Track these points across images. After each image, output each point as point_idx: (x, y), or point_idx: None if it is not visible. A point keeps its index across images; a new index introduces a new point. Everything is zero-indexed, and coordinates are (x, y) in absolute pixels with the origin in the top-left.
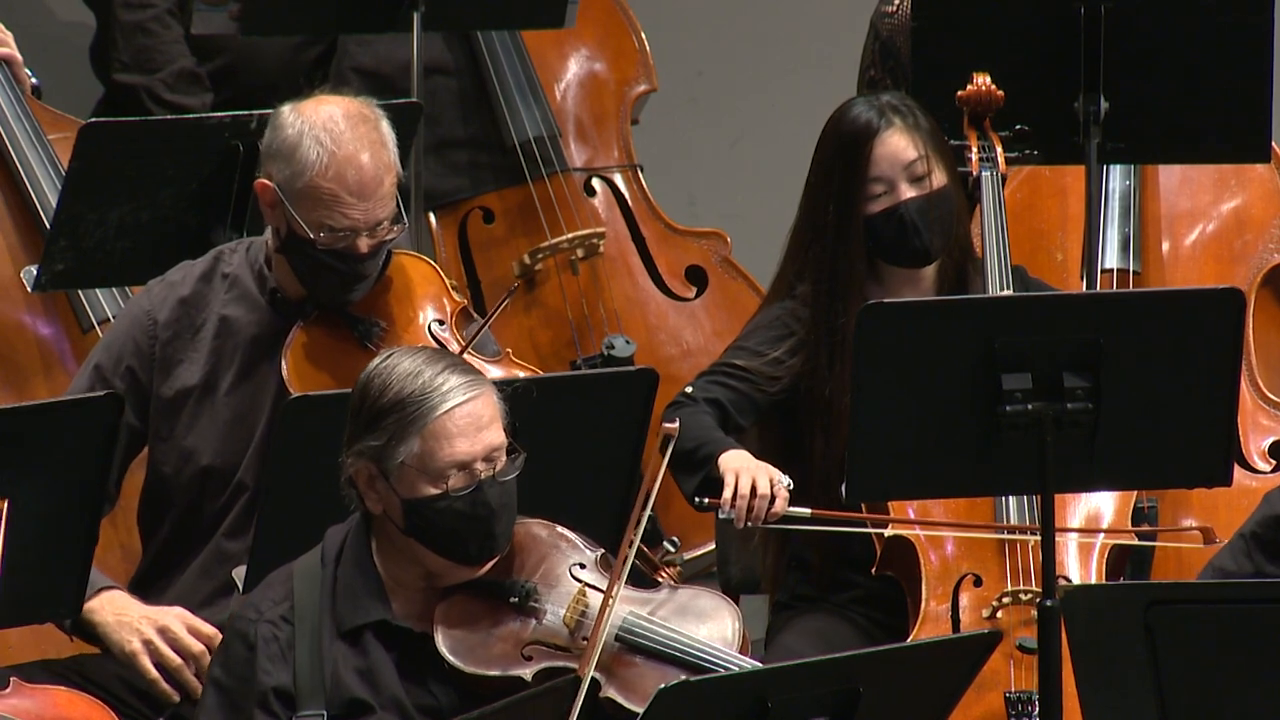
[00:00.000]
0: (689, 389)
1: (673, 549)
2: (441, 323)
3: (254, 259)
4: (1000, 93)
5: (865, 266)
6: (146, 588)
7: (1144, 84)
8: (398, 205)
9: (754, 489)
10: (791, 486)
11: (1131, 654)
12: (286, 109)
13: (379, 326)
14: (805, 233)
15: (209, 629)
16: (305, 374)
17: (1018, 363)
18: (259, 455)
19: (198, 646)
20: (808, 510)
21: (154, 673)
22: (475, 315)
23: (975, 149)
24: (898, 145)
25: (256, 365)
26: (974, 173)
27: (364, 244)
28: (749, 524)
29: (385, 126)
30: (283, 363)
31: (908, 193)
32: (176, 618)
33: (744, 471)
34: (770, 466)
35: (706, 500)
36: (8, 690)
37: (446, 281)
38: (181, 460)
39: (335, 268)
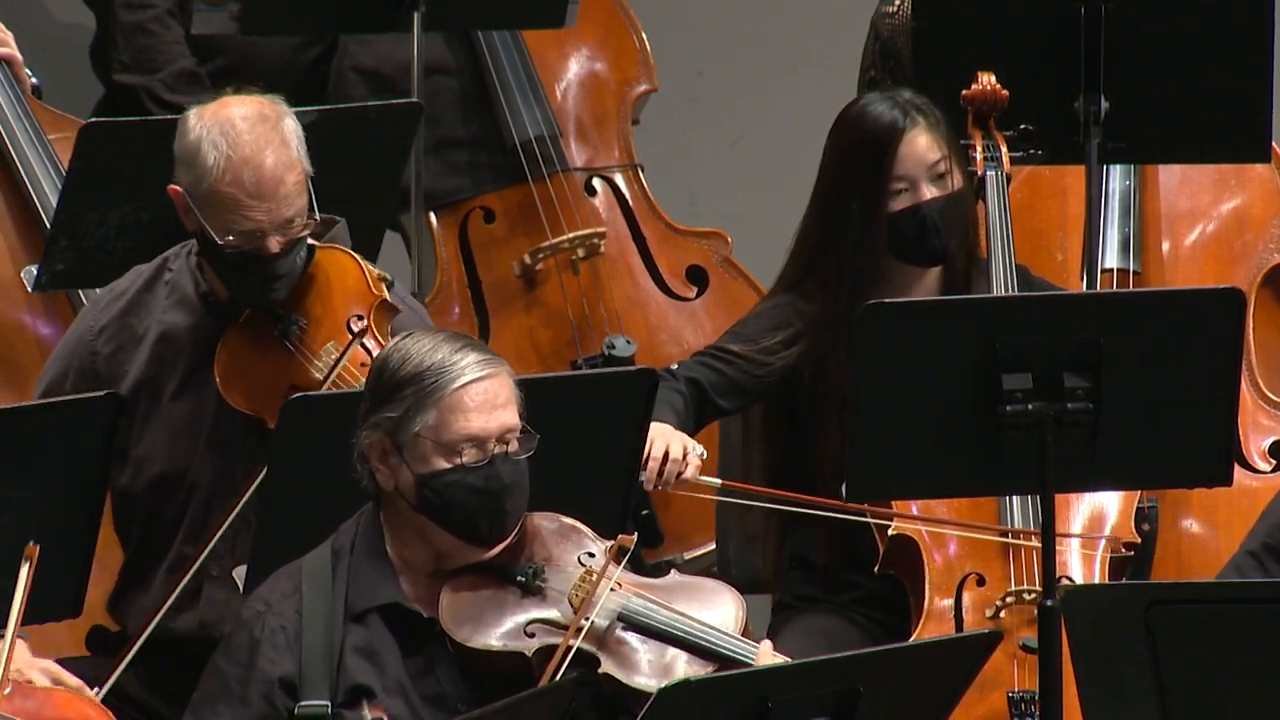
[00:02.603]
0: (674, 366)
1: None
2: (361, 317)
3: (192, 263)
4: (1005, 92)
5: (887, 263)
6: (125, 602)
7: (1144, 84)
8: (310, 200)
9: (667, 454)
10: (704, 455)
11: (1132, 654)
12: (191, 113)
13: (298, 324)
14: (819, 229)
15: (74, 681)
16: (231, 374)
17: (1018, 363)
18: (206, 456)
19: None
20: (718, 480)
21: None
22: (398, 307)
23: (980, 148)
24: (922, 145)
25: (198, 369)
26: (979, 172)
27: (274, 244)
28: (659, 486)
29: (288, 124)
30: (215, 365)
31: (929, 192)
32: (41, 674)
33: (659, 437)
34: (686, 436)
35: None
36: (8, 692)
37: (369, 273)
38: (135, 470)
39: (248, 269)
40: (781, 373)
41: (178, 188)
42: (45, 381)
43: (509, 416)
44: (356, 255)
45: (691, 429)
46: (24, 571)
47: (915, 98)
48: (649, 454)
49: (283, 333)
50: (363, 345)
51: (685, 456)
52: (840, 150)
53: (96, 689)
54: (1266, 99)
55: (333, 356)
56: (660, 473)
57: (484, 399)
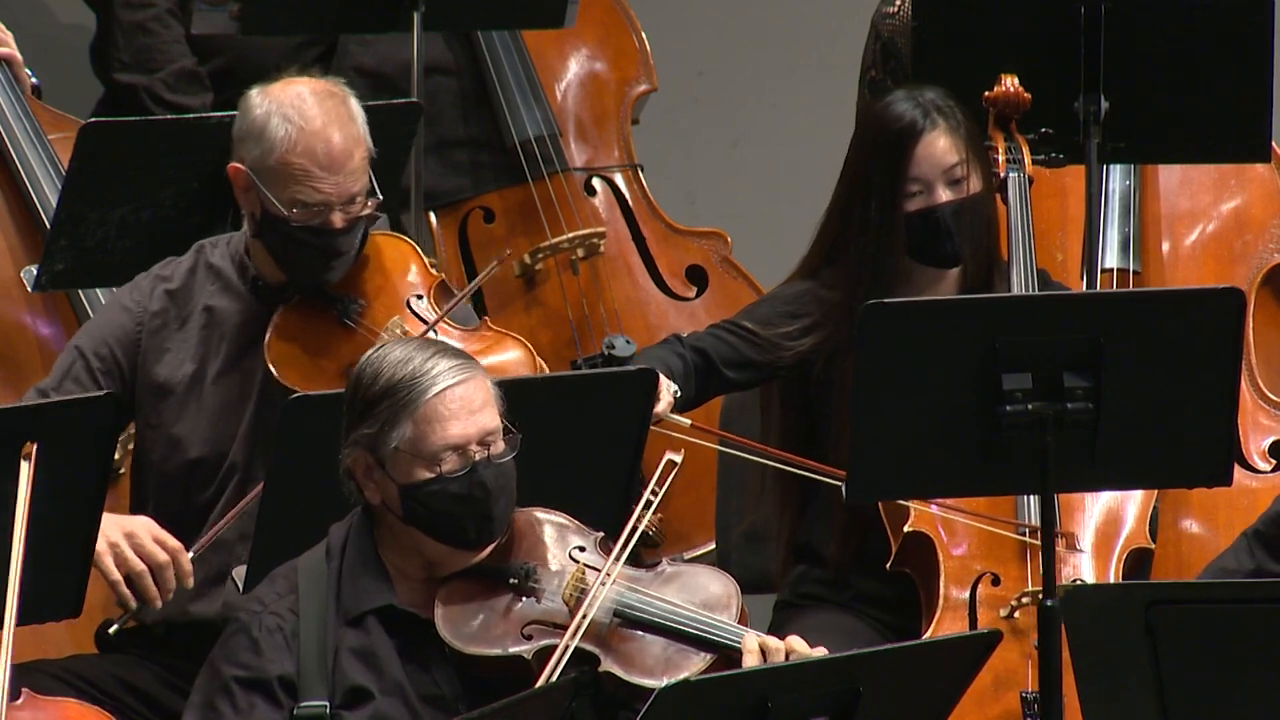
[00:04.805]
0: (683, 334)
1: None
2: (420, 297)
3: (235, 251)
4: (1028, 95)
5: (906, 263)
6: None
7: (1144, 84)
8: (371, 181)
9: None
10: (678, 394)
11: (1132, 654)
12: (254, 92)
13: (357, 303)
14: (840, 224)
15: (174, 542)
16: (286, 355)
17: (1018, 363)
18: (248, 438)
19: (163, 556)
20: (688, 421)
21: (116, 574)
22: (454, 290)
23: (1002, 150)
24: (940, 148)
25: (242, 353)
26: (1000, 174)
27: (338, 219)
28: None
29: (354, 103)
30: (265, 346)
31: (944, 195)
32: (143, 526)
33: None
34: (662, 375)
35: None
36: (19, 702)
37: (425, 258)
38: (169, 449)
39: (311, 244)
40: (793, 359)
41: (239, 165)
42: (74, 344)
43: (487, 419)
44: (408, 238)
45: (691, 394)
46: (24, 470)
47: (940, 99)
48: None
49: (342, 311)
50: (421, 320)
51: (659, 391)
52: (862, 147)
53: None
54: (1266, 99)
55: (400, 329)
56: None
57: (460, 405)
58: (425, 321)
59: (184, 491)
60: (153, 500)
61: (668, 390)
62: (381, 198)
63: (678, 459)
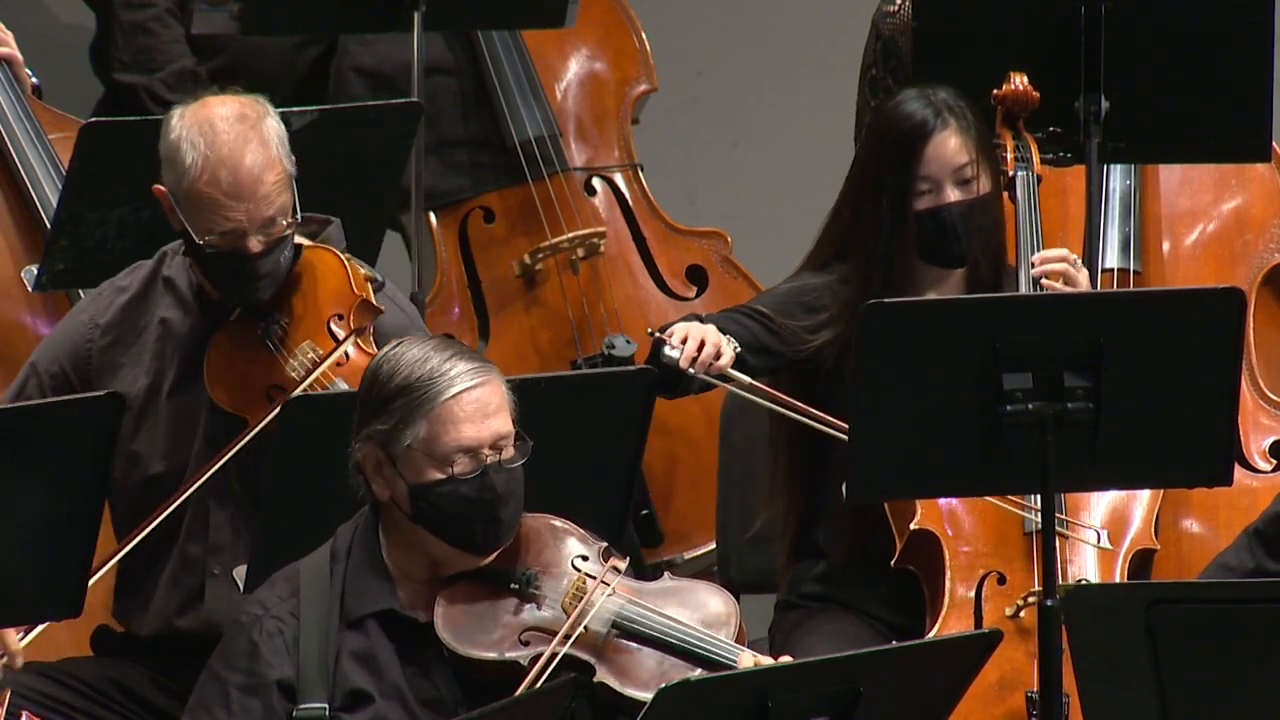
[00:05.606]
0: (701, 315)
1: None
2: (341, 317)
3: (188, 262)
4: (1036, 93)
5: (915, 263)
6: (126, 604)
7: (1145, 83)
8: (293, 199)
9: (704, 342)
10: (739, 350)
11: (1133, 654)
12: (174, 112)
13: (279, 324)
14: (850, 219)
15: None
16: (218, 372)
17: (1018, 362)
18: (204, 452)
19: None
20: (748, 379)
21: None
22: (380, 307)
23: (1010, 149)
24: (951, 148)
25: (195, 366)
26: (1009, 172)
27: (254, 244)
28: (695, 370)
29: (269, 124)
30: (204, 361)
31: (953, 195)
32: None
33: (694, 327)
34: (718, 330)
35: (658, 334)
36: None
37: (352, 273)
38: (129, 465)
39: (230, 268)
40: (810, 352)
41: (162, 188)
42: (31, 359)
43: (501, 424)
44: (343, 255)
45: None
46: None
47: (951, 98)
48: (685, 338)
49: (264, 332)
50: (335, 342)
51: (720, 346)
52: (872, 145)
53: (22, 635)
54: (1266, 99)
55: (308, 355)
56: (696, 355)
57: (475, 408)
58: (338, 343)
59: (146, 507)
60: (117, 517)
61: (729, 344)
62: (300, 219)
63: (622, 566)
